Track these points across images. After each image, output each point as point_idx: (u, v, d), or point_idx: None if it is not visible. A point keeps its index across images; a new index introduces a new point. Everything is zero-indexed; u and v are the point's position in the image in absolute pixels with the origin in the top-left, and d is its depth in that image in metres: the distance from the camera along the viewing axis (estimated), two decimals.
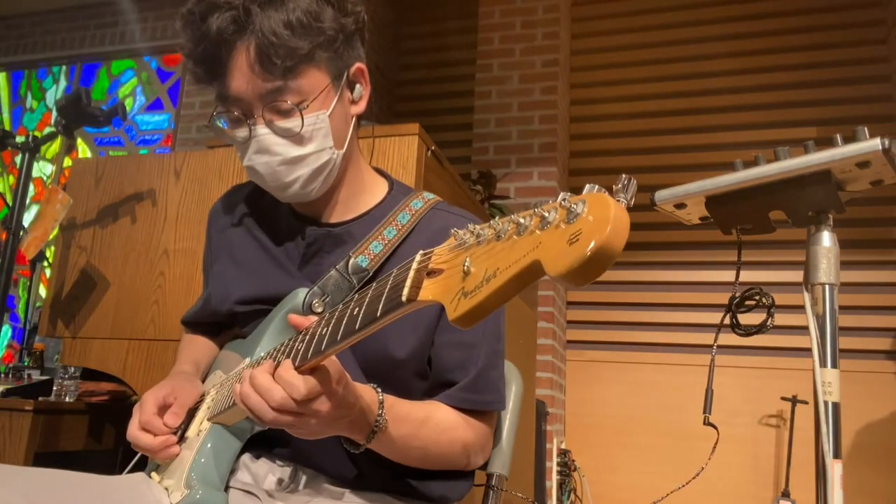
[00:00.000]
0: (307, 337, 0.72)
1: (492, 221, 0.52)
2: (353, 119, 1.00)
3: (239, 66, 0.88)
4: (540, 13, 3.66)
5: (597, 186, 0.47)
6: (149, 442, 0.89)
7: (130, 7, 4.48)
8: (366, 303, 0.65)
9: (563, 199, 0.46)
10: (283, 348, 0.78)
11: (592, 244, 0.42)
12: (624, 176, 0.48)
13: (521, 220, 0.48)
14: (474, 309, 0.49)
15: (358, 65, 0.98)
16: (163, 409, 0.92)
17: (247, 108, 0.90)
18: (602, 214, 0.43)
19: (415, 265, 0.59)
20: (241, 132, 0.92)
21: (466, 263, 0.51)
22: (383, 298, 0.61)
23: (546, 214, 0.46)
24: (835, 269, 1.10)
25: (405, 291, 0.57)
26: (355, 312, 0.65)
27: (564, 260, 0.43)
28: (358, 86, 0.99)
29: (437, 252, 0.57)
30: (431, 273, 0.56)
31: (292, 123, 0.90)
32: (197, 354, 1.09)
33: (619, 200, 0.45)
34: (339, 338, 0.66)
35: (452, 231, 0.56)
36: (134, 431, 0.90)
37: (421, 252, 0.60)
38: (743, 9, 3.70)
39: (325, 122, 0.92)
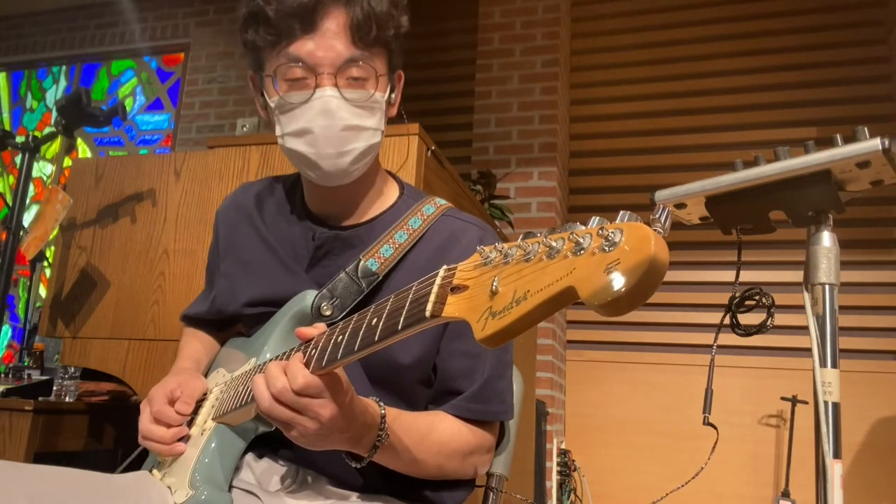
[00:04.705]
0: (321, 343, 0.72)
1: (520, 241, 0.51)
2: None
3: (330, 28, 0.90)
4: (540, 13, 3.66)
5: (629, 213, 0.47)
6: (161, 434, 0.89)
7: (130, 7, 4.48)
8: (385, 314, 0.64)
9: (601, 229, 0.45)
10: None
11: (633, 275, 0.41)
12: (660, 205, 0.48)
13: (553, 244, 0.48)
14: (504, 329, 0.49)
15: (400, 71, 1.01)
16: (171, 402, 0.92)
17: (318, 69, 0.90)
18: (641, 245, 0.42)
19: (439, 280, 0.58)
20: (299, 95, 0.91)
21: (494, 283, 0.51)
22: (405, 311, 0.61)
23: (581, 240, 0.46)
24: (835, 269, 1.10)
25: (429, 307, 0.57)
26: (373, 323, 0.65)
27: (603, 288, 0.42)
28: (395, 90, 1.01)
29: (462, 268, 0.57)
30: (455, 289, 0.56)
31: (361, 94, 0.92)
32: (198, 353, 1.09)
33: (656, 230, 0.45)
34: (356, 348, 0.66)
35: (478, 248, 0.55)
36: (146, 425, 0.90)
37: (445, 267, 0.59)
38: (743, 9, 3.69)
39: (383, 104, 0.95)
